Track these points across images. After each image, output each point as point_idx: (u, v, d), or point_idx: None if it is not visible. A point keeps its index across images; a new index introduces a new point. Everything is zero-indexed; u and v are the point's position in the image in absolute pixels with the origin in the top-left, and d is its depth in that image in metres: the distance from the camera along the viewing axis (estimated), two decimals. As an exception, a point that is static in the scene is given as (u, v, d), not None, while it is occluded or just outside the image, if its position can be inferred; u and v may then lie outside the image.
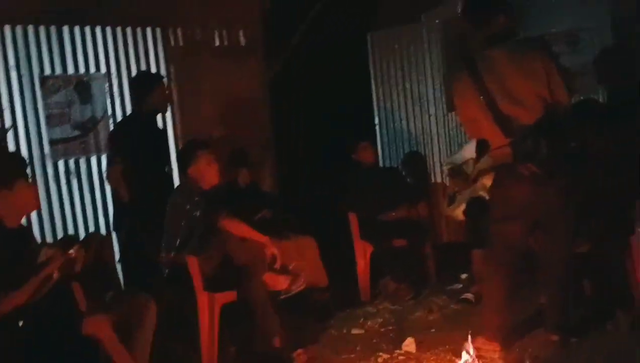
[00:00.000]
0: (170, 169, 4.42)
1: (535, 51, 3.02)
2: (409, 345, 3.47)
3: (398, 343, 3.53)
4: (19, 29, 4.17)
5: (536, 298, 3.72)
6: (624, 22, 4.76)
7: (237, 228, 3.58)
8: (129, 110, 4.58)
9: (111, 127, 4.49)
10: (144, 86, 4.16)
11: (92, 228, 4.35)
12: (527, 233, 3.15)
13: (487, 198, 3.62)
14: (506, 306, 3.21)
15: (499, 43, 3.01)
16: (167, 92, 4.37)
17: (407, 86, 5.99)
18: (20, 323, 2.61)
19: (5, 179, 2.70)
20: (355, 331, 3.86)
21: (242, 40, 5.49)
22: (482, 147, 4.26)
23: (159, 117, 4.43)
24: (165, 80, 4.45)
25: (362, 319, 4.04)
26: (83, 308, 2.96)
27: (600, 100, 4.85)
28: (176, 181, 4.35)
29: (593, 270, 3.68)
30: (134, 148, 3.96)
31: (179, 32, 5.03)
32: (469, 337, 3.28)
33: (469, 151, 4.52)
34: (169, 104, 4.45)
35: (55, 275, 2.66)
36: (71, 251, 2.64)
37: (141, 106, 4.12)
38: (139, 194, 3.92)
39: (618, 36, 4.85)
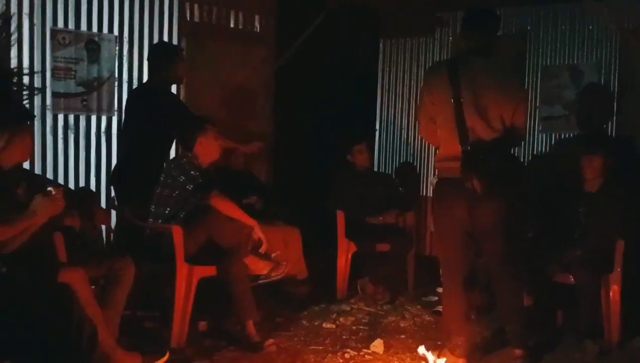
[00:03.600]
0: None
1: (516, 76, 3.17)
2: (378, 346, 3.50)
3: (367, 343, 3.56)
4: (36, -21, 4.18)
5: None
6: (628, 58, 4.84)
7: (227, 206, 3.58)
8: (135, 75, 4.59)
9: (115, 89, 4.50)
10: (168, 55, 4.09)
11: (82, 185, 4.34)
12: (464, 248, 3.13)
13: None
14: (466, 320, 3.22)
15: (482, 56, 3.07)
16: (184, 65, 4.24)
17: (412, 97, 6.04)
18: (4, 270, 2.61)
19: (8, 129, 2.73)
20: (326, 325, 3.88)
21: (257, 26, 5.51)
22: None
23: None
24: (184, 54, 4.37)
25: (335, 315, 4.06)
26: (63, 259, 2.96)
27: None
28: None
29: (568, 300, 3.74)
30: (151, 114, 3.90)
31: (196, 7, 5.05)
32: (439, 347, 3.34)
33: None
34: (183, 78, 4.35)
35: (41, 219, 2.65)
36: (52, 191, 2.63)
37: (161, 74, 4.02)
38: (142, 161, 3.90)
39: (623, 72, 4.93)
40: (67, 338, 2.40)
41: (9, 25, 0.85)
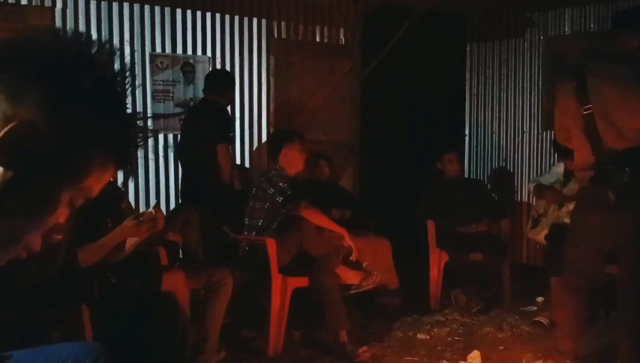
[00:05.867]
0: None
1: None
2: (475, 357, 3.42)
3: (463, 355, 3.49)
4: (136, 7, 4.47)
5: (612, 332, 3.58)
6: None
7: (317, 216, 3.65)
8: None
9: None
10: (231, 82, 4.46)
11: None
12: (597, 260, 3.00)
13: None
14: (579, 332, 3.09)
15: (618, 63, 2.92)
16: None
17: (503, 100, 5.88)
18: (114, 280, 2.80)
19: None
20: (421, 336, 3.85)
21: (342, 39, 5.59)
22: (569, 172, 4.17)
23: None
24: None
25: (429, 326, 4.01)
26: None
27: None
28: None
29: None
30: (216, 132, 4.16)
31: (283, 25, 5.20)
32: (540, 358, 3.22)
33: (556, 174, 4.40)
34: None
35: (135, 240, 2.78)
36: (149, 211, 2.78)
37: (224, 97, 4.31)
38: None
39: None
40: (173, 344, 2.53)
41: (134, 76, 0.93)
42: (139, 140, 0.90)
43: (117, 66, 0.86)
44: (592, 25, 5.32)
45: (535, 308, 4.30)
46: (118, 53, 0.87)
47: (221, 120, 4.22)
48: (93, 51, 0.84)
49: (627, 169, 2.79)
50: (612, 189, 2.78)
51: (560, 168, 4.39)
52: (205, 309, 3.15)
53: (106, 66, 0.85)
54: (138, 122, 0.90)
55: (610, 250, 2.97)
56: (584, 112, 2.85)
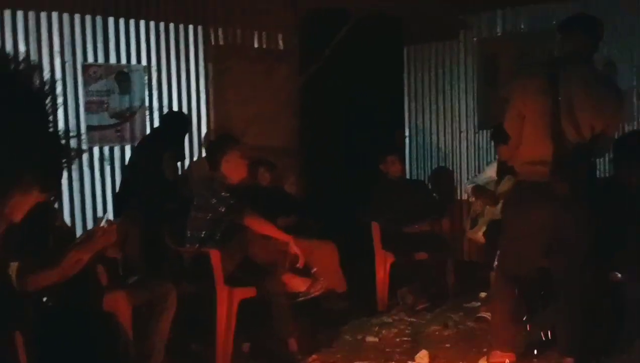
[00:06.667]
0: None
1: (613, 90, 3.10)
2: (423, 357, 3.47)
3: (411, 355, 3.53)
4: (65, 17, 4.31)
5: (549, 323, 3.71)
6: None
7: (261, 225, 3.61)
8: (165, 102, 4.69)
9: (147, 118, 4.60)
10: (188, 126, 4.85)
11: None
12: (540, 252, 3.12)
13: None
14: (516, 323, 3.19)
15: (582, 63, 3.04)
16: None
17: (440, 101, 6.00)
18: (44, 299, 2.68)
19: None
20: (369, 339, 3.87)
21: (280, 44, 5.57)
22: (503, 169, 4.31)
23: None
24: None
25: (377, 328, 4.04)
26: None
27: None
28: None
29: (621, 301, 3.63)
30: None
31: (220, 31, 5.13)
32: (485, 354, 3.30)
33: (490, 172, 4.54)
34: None
35: (87, 257, 2.70)
36: (102, 226, 2.68)
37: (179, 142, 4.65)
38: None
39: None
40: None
41: (54, 89, 0.88)
42: (64, 161, 0.84)
43: (41, 81, 0.81)
44: (522, 26, 5.50)
45: (478, 303, 4.40)
46: (43, 67, 0.83)
47: (176, 131, 4.56)
48: (13, 67, 0.79)
49: (582, 165, 2.94)
50: (570, 183, 2.90)
51: (492, 170, 4.54)
52: (149, 325, 3.06)
53: (29, 83, 0.80)
54: (67, 140, 0.84)
55: (550, 241, 3.08)
56: (552, 106, 2.95)
